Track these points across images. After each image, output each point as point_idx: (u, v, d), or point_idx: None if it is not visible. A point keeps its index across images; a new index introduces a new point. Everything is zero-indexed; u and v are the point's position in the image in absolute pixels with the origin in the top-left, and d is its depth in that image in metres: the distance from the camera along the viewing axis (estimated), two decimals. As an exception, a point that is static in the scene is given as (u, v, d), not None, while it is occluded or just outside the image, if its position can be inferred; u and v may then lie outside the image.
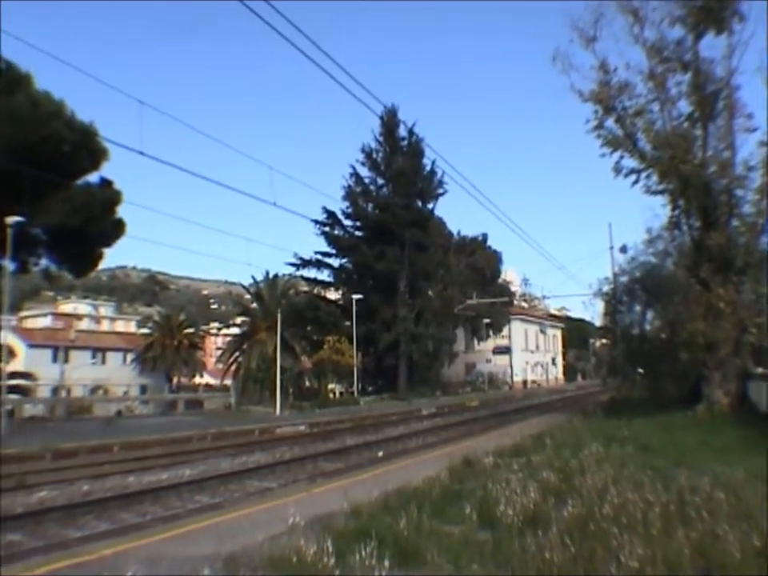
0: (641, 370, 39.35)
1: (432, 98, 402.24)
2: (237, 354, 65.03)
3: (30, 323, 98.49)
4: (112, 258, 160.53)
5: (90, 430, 31.22)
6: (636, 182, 29.15)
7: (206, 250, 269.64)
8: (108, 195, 32.50)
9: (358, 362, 59.35)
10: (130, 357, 78.68)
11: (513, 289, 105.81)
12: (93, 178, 32.79)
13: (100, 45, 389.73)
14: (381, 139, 70.21)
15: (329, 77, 16.55)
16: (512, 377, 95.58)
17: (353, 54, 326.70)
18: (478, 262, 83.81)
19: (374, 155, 70.54)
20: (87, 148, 30.79)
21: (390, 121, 68.22)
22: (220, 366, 72.00)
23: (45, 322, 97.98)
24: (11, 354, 42.04)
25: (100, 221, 31.60)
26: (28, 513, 14.38)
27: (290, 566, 7.00)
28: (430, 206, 72.40)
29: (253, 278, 67.69)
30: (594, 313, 70.48)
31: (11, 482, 17.75)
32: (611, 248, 47.53)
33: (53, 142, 28.24)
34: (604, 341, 57.75)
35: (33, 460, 21.96)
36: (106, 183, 33.09)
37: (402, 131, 70.11)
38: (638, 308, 38.56)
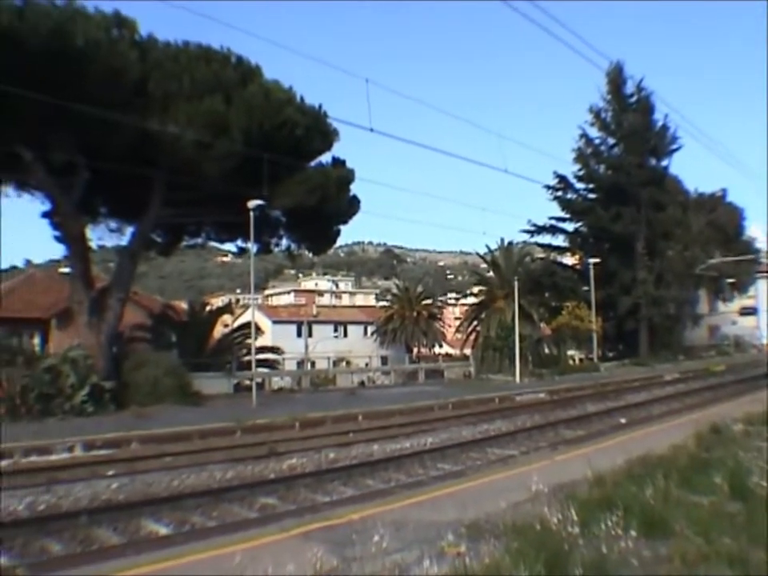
0: None
1: (661, 46, 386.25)
2: (475, 323, 65.11)
3: (274, 301, 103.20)
4: (348, 234, 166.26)
5: (334, 401, 32.26)
6: None
7: (441, 222, 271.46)
8: (341, 174, 33.27)
9: (598, 327, 58.10)
10: (370, 329, 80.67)
11: (758, 246, 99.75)
12: (326, 158, 33.73)
13: (324, 28, 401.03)
14: (608, 97, 67.90)
15: (553, 37, 16.16)
16: (761, 339, 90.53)
17: (575, 11, 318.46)
18: (719, 219, 79.37)
19: (603, 114, 68.41)
20: (319, 130, 31.63)
21: (616, 77, 65.78)
22: (458, 335, 72.43)
23: (288, 299, 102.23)
24: (259, 330, 44.13)
25: (335, 199, 32.42)
26: (280, 478, 15.05)
27: (534, 533, 6.86)
28: (665, 162, 69.29)
29: (487, 246, 67.52)
30: None
31: (264, 449, 18.66)
32: None
33: (286, 127, 29.20)
34: None
35: (282, 429, 22.93)
36: (338, 162, 33.87)
37: (630, 87, 67.62)
38: None
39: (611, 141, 68.80)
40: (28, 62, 21.41)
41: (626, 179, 63.37)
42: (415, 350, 74.99)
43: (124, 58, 24.64)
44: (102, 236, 35.13)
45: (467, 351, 64.71)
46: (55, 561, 9.57)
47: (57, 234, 30.84)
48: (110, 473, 15.54)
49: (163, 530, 11.19)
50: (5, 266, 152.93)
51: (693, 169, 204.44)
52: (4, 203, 34.27)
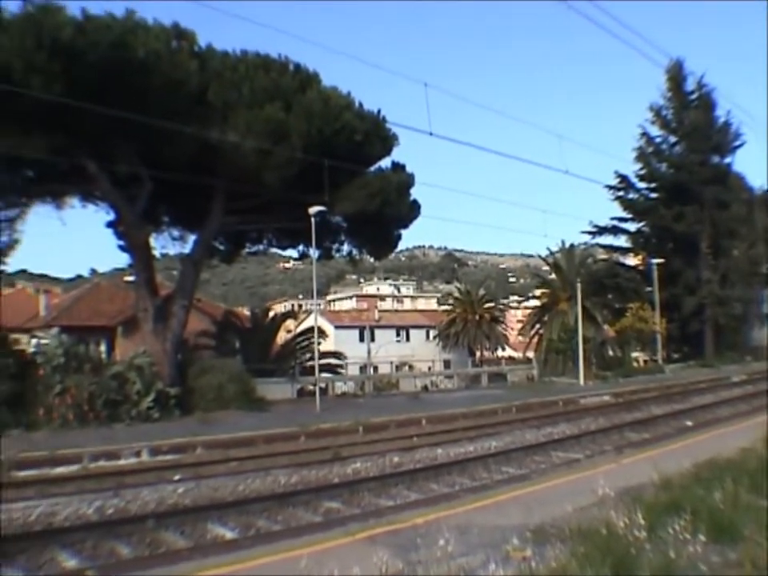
0: None
1: (722, 40, 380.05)
2: (537, 325, 64.77)
3: (336, 306, 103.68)
4: (409, 238, 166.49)
5: (397, 405, 32.33)
6: None
7: (501, 224, 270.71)
8: (401, 178, 33.22)
9: (662, 328, 57.33)
10: (432, 333, 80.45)
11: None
12: (385, 163, 33.71)
13: (382, 34, 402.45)
14: (669, 95, 66.88)
15: (612, 35, 16.01)
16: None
17: (634, 9, 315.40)
18: (787, 216, 77.68)
19: (663, 112, 67.40)
20: (378, 135, 31.64)
21: (676, 74, 64.72)
22: (521, 338, 72.05)
23: (350, 304, 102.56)
24: (322, 335, 44.37)
25: (396, 204, 32.37)
26: (344, 483, 15.12)
27: (600, 537, 6.79)
28: (728, 159, 67.71)
29: (548, 249, 67.18)
30: None
31: (328, 454, 18.74)
32: None
33: (346, 133, 29.26)
34: None
35: (346, 434, 23.05)
36: (398, 167, 33.85)
37: (691, 84, 66.41)
38: None
39: (672, 139, 67.78)
40: (90, 76, 21.80)
41: (689, 178, 62.38)
42: (478, 353, 74.57)
43: (184, 68, 24.97)
44: (165, 244, 35.75)
45: (530, 354, 64.38)
46: (124, 563, 9.73)
47: (121, 243, 31.40)
48: (176, 477, 15.75)
49: (229, 534, 11.30)
50: (71, 275, 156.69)
51: (757, 165, 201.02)
52: (70, 214, 34.98)
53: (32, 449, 18.61)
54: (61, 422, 24.28)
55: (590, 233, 67.85)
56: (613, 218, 68.32)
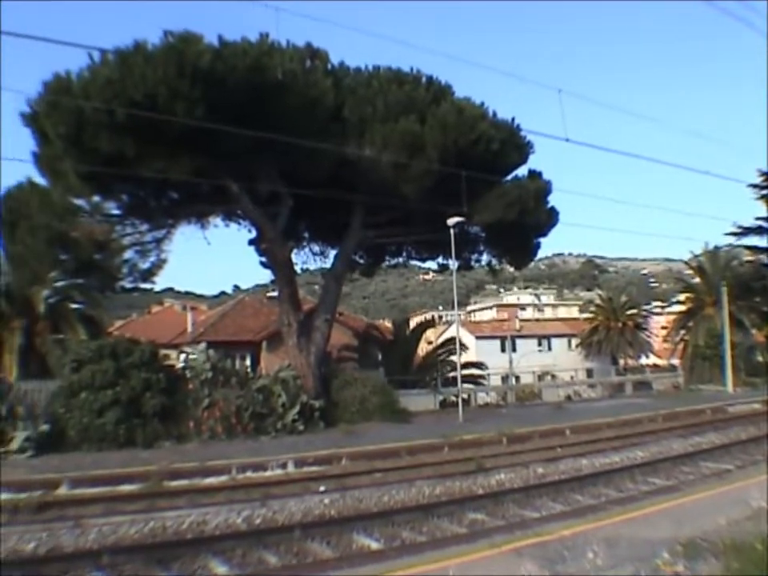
0: None
1: None
2: (682, 331, 63.14)
3: (476, 316, 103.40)
4: (548, 246, 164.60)
5: (540, 415, 32.05)
6: None
7: (642, 229, 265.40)
8: (538, 186, 32.85)
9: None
10: (574, 342, 79.48)
11: None
12: (522, 171, 33.47)
13: (514, 42, 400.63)
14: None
15: (748, 25, 15.55)
16: None
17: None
18: None
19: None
20: (513, 143, 31.41)
21: (811, 60, 62.03)
22: (665, 345, 70.39)
23: (490, 314, 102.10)
24: (463, 346, 44.31)
25: (534, 212, 32.02)
26: (488, 494, 15.12)
27: (756, 553, 6.57)
28: None
29: (691, 252, 65.36)
30: None
31: (471, 465, 18.75)
32: None
33: (481, 143, 29.19)
34: None
35: (490, 444, 23.01)
36: (534, 175, 33.56)
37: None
38: None
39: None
40: (229, 99, 22.49)
41: (829, 169, 59.53)
42: (621, 361, 73.14)
43: (319, 87, 25.47)
44: (306, 260, 36.56)
45: (674, 361, 62.81)
46: (272, 572, 9.98)
47: (263, 259, 32.12)
48: (322, 488, 16.02)
49: (375, 545, 11.42)
50: (215, 292, 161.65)
51: None
52: (213, 233, 36.11)
53: (183, 460, 19.30)
54: (209, 434, 25.09)
55: (734, 234, 65.44)
56: (758, 218, 65.71)
